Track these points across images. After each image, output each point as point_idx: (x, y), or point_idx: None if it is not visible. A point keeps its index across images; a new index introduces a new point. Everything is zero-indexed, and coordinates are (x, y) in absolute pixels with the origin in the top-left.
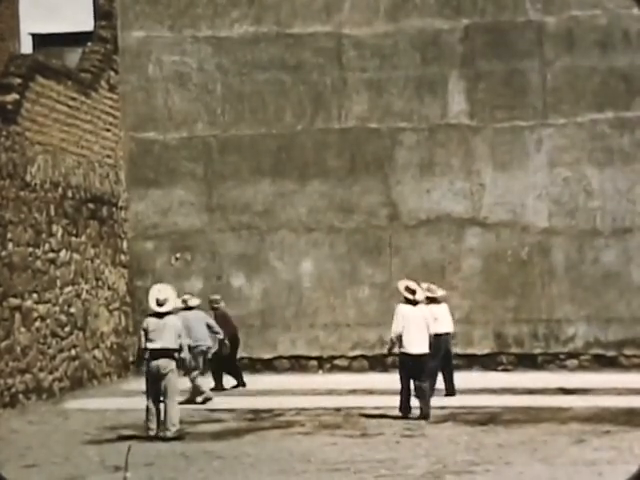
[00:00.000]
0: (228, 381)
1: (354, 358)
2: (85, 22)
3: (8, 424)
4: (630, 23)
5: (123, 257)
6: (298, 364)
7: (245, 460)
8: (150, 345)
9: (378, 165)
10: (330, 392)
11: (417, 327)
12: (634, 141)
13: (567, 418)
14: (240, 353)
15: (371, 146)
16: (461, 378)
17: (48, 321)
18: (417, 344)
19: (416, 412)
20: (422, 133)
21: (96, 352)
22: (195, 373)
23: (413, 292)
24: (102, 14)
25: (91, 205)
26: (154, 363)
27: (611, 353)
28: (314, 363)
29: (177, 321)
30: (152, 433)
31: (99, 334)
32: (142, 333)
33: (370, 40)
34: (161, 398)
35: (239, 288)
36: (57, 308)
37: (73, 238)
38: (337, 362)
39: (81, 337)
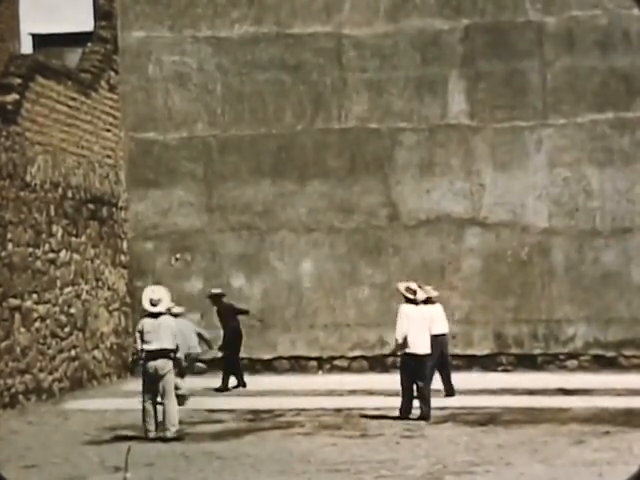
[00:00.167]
0: (228, 381)
1: (354, 359)
2: (85, 22)
3: (8, 424)
4: (630, 23)
5: (123, 257)
6: (298, 364)
7: (245, 461)
8: (147, 347)
9: (378, 165)
10: (330, 393)
11: (420, 327)
12: (634, 141)
13: (567, 419)
14: (240, 353)
15: (371, 146)
16: (461, 379)
17: (48, 321)
18: (421, 344)
19: (416, 413)
20: (422, 133)
21: (96, 353)
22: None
23: (414, 292)
24: (102, 14)
25: (91, 205)
26: (151, 364)
27: (611, 354)
28: (314, 363)
29: (172, 321)
30: (152, 435)
31: (99, 335)
32: (138, 335)
33: (370, 40)
34: (159, 399)
35: (239, 288)
36: (57, 308)
37: (73, 238)
38: (337, 363)
39: (81, 338)
